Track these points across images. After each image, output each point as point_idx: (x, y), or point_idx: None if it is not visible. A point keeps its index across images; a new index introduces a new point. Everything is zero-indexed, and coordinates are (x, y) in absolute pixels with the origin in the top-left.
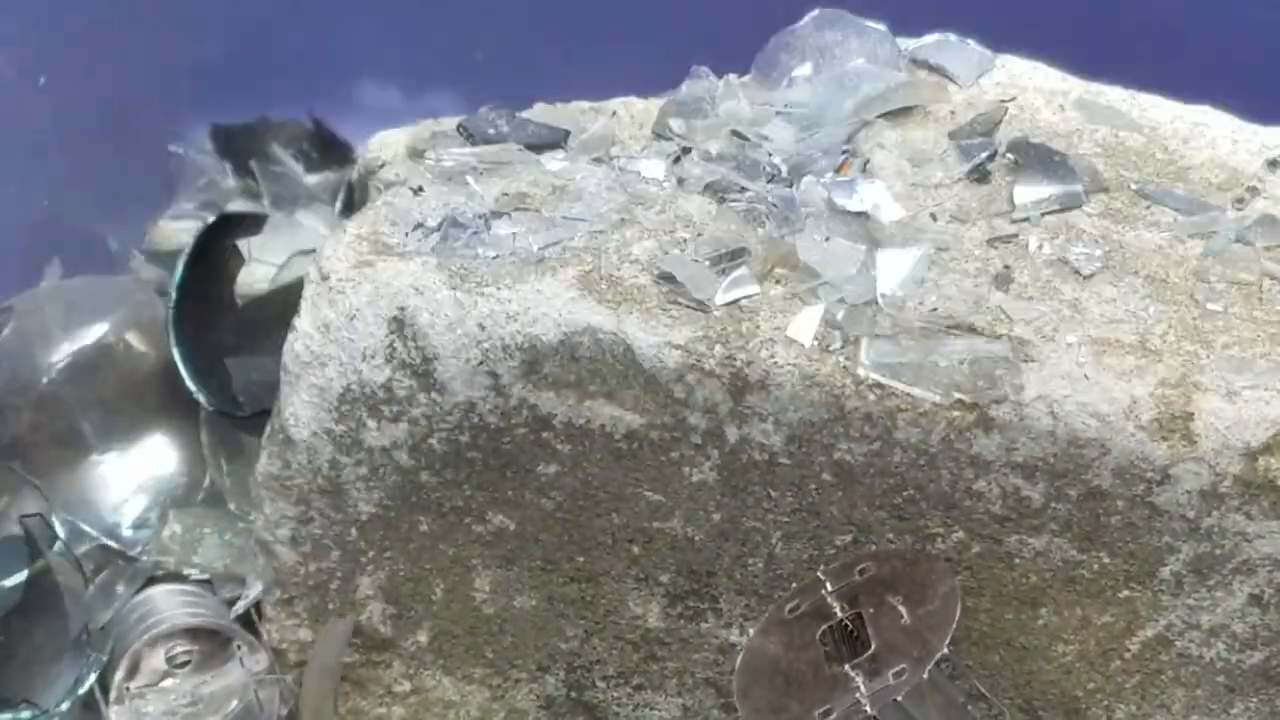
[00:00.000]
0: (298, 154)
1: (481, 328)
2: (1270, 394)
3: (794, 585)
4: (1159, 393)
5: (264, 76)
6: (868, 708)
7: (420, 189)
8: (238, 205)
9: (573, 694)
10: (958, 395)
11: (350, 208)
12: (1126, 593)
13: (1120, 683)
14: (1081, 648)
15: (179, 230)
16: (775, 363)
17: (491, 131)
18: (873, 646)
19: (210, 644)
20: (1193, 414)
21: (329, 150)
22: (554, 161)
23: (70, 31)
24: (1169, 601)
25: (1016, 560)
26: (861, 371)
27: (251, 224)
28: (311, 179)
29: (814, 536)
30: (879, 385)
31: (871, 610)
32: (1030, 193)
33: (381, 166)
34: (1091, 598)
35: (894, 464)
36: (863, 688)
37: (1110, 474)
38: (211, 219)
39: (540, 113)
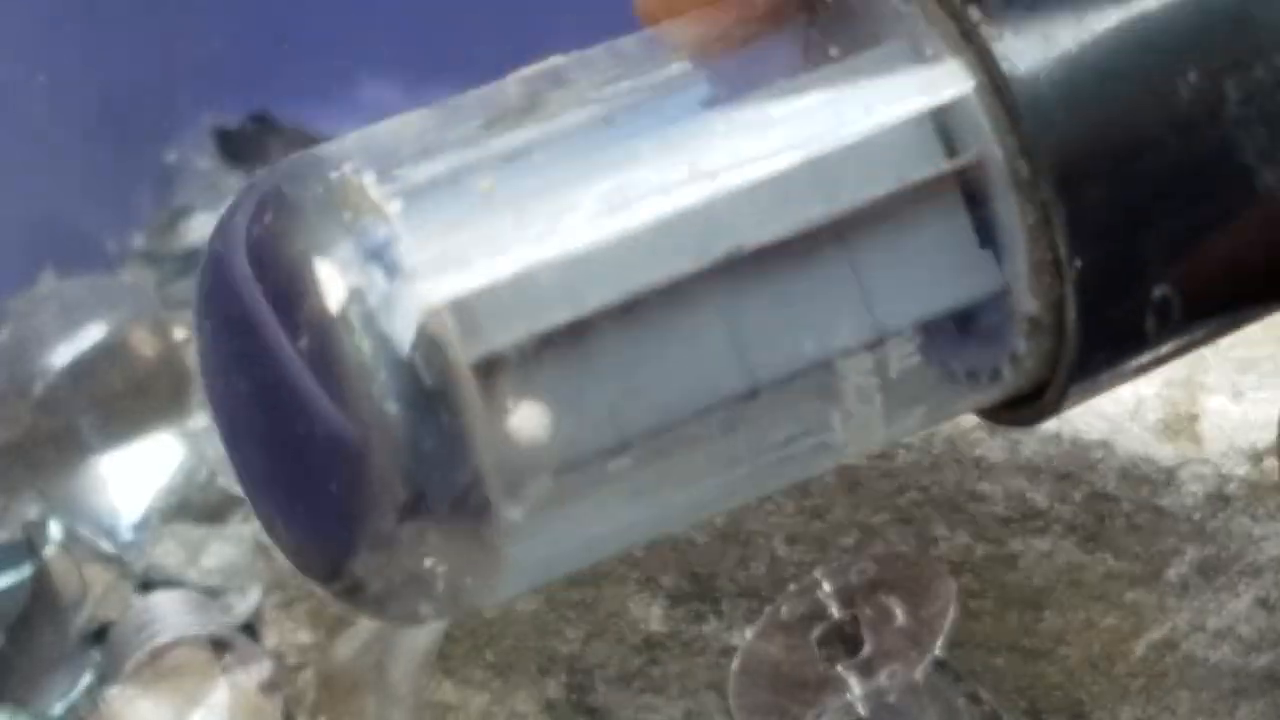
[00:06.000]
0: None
1: None
2: (1276, 395)
3: (791, 587)
4: (1165, 393)
5: (264, 76)
6: (860, 709)
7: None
8: None
9: (573, 697)
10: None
11: None
12: (1132, 595)
13: (1125, 686)
14: (1086, 650)
15: (179, 232)
16: None
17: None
18: (866, 647)
19: (212, 652)
20: (1198, 415)
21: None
22: None
23: (70, 31)
24: (1175, 604)
25: (1020, 563)
26: None
27: None
28: None
29: (817, 539)
30: None
31: (868, 611)
32: None
33: None
34: (1096, 600)
35: (898, 466)
36: (855, 689)
37: (1116, 475)
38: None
39: None
